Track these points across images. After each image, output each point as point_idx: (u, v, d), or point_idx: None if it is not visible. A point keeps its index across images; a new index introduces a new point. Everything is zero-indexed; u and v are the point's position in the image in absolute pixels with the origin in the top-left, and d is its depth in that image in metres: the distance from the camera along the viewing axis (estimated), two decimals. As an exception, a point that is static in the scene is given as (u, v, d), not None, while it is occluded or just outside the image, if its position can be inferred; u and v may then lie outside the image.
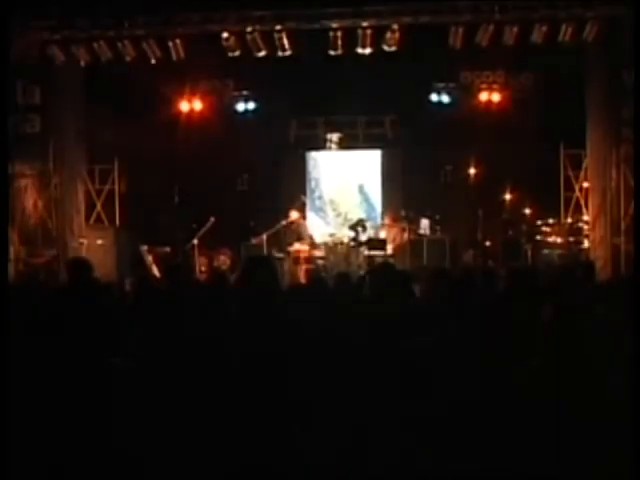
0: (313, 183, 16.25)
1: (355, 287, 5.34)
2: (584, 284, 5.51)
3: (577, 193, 12.89)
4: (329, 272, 11.99)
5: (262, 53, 11.53)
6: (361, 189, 16.00)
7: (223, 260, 13.42)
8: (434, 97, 14.38)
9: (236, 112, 14.72)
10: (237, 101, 14.70)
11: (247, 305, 3.89)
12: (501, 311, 4.25)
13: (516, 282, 4.67)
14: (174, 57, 11.59)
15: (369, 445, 3.53)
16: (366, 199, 16.00)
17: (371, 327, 3.82)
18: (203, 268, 13.26)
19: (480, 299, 4.35)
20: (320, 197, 16.24)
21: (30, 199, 11.89)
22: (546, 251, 13.09)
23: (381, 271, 4.25)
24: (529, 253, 13.08)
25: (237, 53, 11.57)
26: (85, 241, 12.44)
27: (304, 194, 15.54)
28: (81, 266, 5.05)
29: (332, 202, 16.14)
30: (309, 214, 15.49)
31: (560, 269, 7.54)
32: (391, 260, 12.47)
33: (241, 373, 3.59)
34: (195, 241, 13.13)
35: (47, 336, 3.88)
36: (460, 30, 11.03)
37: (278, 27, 11.29)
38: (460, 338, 3.77)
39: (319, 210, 16.15)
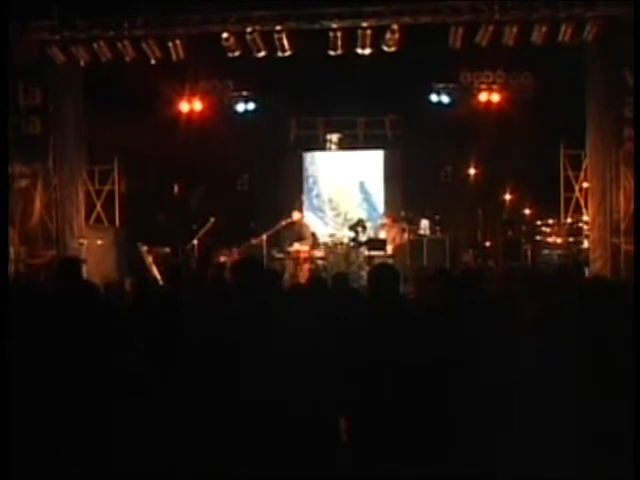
0: (310, 180, 16.11)
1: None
2: (578, 284, 5.49)
3: (577, 193, 12.89)
4: (329, 272, 11.98)
5: (262, 53, 11.52)
6: (362, 187, 15.91)
7: (223, 260, 13.41)
8: (434, 97, 14.37)
9: (236, 112, 14.72)
10: (237, 101, 14.70)
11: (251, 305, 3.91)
12: (498, 311, 4.25)
13: (513, 282, 4.68)
14: (174, 57, 11.59)
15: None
16: (367, 198, 15.93)
17: (368, 327, 3.82)
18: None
19: (478, 299, 4.36)
20: (318, 195, 16.12)
21: (30, 199, 11.88)
22: (546, 251, 13.09)
23: (378, 271, 4.25)
24: (529, 253, 13.08)
25: (237, 53, 11.57)
26: (85, 241, 12.43)
27: (303, 194, 15.53)
28: (70, 266, 5.03)
29: (331, 201, 16.05)
30: (306, 213, 15.42)
31: (555, 269, 7.54)
32: (391, 260, 12.46)
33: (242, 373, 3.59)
34: (195, 241, 13.13)
35: (47, 336, 3.88)
36: (460, 30, 11.02)
37: (278, 27, 11.28)
38: (459, 337, 3.77)
39: (317, 209, 16.03)
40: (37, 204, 11.94)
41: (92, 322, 3.85)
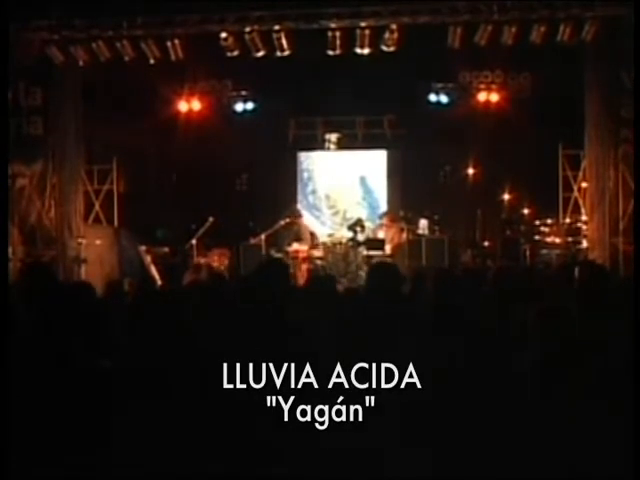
0: (305, 175, 15.79)
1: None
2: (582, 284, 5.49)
3: (576, 193, 12.89)
4: (328, 272, 11.98)
5: (261, 53, 11.53)
6: (363, 182, 15.69)
7: (222, 260, 13.41)
8: (433, 97, 14.35)
9: (234, 112, 14.69)
10: (235, 101, 14.67)
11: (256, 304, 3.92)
12: (495, 310, 4.26)
13: (508, 282, 4.68)
14: (173, 57, 11.60)
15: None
16: (366, 196, 15.73)
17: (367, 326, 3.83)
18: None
19: (474, 299, 4.37)
20: (314, 192, 15.87)
21: (29, 199, 11.89)
22: (545, 251, 13.10)
23: (379, 270, 4.26)
24: (527, 253, 13.10)
25: (236, 53, 11.59)
26: (84, 241, 12.43)
27: (301, 194, 15.47)
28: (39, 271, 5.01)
29: (328, 198, 15.80)
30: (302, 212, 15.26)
31: (558, 269, 7.54)
32: (389, 260, 12.47)
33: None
34: (194, 241, 13.13)
35: (46, 335, 3.88)
36: (459, 30, 11.04)
37: (277, 27, 11.30)
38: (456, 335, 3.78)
39: (312, 207, 15.70)
40: (36, 204, 11.95)
41: (91, 322, 3.85)
